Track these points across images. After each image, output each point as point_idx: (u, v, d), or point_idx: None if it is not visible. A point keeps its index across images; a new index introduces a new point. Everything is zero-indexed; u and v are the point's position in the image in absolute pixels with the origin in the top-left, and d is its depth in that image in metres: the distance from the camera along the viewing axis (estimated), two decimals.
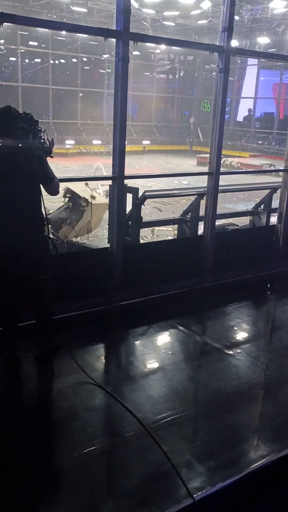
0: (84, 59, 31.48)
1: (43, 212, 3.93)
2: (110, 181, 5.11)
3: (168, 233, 10.87)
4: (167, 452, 3.10)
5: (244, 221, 8.75)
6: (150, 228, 10.16)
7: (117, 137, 4.98)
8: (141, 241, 7.12)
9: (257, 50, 25.82)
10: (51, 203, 9.15)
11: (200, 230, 6.54)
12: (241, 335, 5.19)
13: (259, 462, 3.13)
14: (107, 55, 30.13)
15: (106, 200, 7.79)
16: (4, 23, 4.04)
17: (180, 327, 5.11)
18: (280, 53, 22.43)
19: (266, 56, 18.05)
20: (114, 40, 4.80)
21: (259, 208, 7.64)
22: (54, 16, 25.46)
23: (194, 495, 2.78)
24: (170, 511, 2.70)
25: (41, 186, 3.90)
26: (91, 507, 2.77)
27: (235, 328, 5.31)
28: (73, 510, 2.74)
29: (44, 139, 3.84)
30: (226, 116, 31.32)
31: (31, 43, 29.32)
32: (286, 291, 6.57)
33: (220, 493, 2.85)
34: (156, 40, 6.02)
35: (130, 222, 6.19)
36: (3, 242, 3.80)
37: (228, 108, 32.62)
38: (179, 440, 3.30)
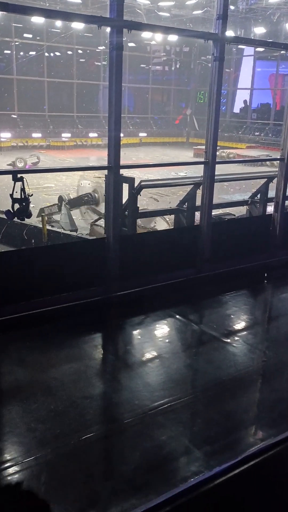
0: (80, 51, 31.23)
1: None
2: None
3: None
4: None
5: (241, 211, 8.73)
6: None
7: (112, 127, 4.95)
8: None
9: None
10: None
11: (197, 220, 6.54)
12: (238, 324, 5.21)
13: (256, 447, 3.15)
14: (103, 47, 29.90)
15: None
16: None
17: (177, 316, 5.12)
18: (275, 41, 22.25)
19: (261, 44, 17.99)
20: (108, 29, 4.78)
21: (256, 198, 7.63)
22: (47, 4, 25.20)
23: (191, 479, 2.80)
24: (167, 495, 2.72)
25: None
26: None
27: (232, 316, 5.33)
28: None
29: None
30: (223, 108, 31.17)
31: (25, 35, 29.06)
32: (283, 280, 6.59)
33: (216, 477, 2.87)
34: (150, 27, 5.97)
35: (126, 213, 6.17)
36: None
37: (225, 99, 32.46)
38: (177, 426, 3.32)
